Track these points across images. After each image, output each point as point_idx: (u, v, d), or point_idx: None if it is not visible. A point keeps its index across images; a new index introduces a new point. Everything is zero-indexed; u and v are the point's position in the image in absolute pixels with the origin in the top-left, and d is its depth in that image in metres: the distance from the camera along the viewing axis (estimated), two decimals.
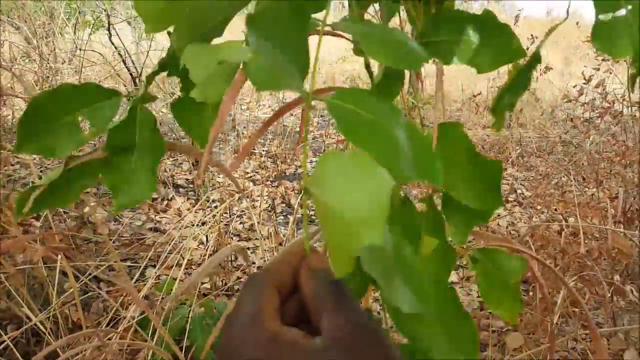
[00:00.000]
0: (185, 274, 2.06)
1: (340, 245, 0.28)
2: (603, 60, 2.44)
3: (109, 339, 1.33)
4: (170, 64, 0.44)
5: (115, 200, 0.45)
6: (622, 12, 0.33)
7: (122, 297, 1.63)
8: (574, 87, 2.62)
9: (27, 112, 0.41)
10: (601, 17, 0.33)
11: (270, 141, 3.81)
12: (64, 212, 2.29)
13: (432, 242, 0.45)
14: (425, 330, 0.39)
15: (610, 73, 2.82)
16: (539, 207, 2.17)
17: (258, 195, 2.74)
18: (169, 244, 1.64)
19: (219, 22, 0.39)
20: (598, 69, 2.51)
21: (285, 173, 3.39)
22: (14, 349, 1.32)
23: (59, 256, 1.44)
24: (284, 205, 2.91)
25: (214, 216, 1.89)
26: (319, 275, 0.33)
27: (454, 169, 0.44)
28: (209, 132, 0.47)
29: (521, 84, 0.40)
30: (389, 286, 0.30)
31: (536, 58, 0.40)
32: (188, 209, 2.43)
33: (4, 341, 1.29)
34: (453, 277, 2.13)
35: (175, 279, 1.73)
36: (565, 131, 2.78)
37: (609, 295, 1.38)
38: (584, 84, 2.41)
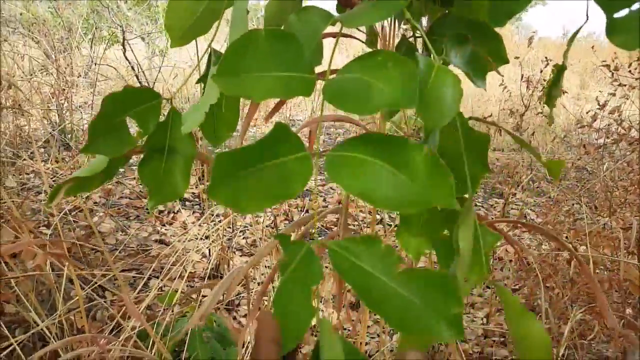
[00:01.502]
0: (187, 286, 2.06)
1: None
2: (620, 85, 2.41)
3: (111, 346, 1.33)
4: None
5: (150, 198, 0.48)
6: (636, 6, 0.34)
7: (124, 308, 1.63)
8: (587, 112, 2.59)
9: (97, 115, 0.44)
10: (616, 15, 0.35)
11: None
12: (74, 221, 2.31)
13: None
14: None
15: (627, 99, 2.79)
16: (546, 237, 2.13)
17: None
18: (173, 256, 1.64)
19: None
20: (614, 94, 2.49)
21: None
22: (20, 353, 1.33)
23: (66, 264, 1.46)
24: (286, 222, 2.91)
25: (217, 230, 1.89)
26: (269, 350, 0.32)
27: (448, 139, 0.47)
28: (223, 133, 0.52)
29: (560, 80, 0.50)
30: None
31: (564, 58, 0.47)
32: (193, 222, 2.43)
33: (12, 344, 1.30)
34: None
35: (177, 291, 1.72)
36: (578, 157, 2.75)
37: (620, 327, 1.34)
38: (598, 109, 2.38)
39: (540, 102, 3.69)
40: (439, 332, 0.30)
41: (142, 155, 0.48)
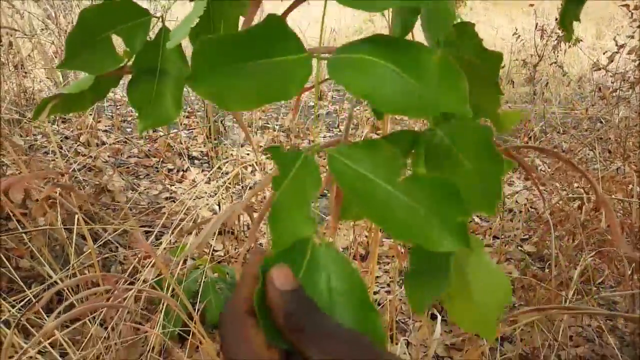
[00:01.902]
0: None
1: None
2: (639, 27, 2.30)
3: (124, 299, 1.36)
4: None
5: (139, 121, 0.47)
6: None
7: (140, 259, 1.65)
8: (604, 53, 2.50)
9: (74, 29, 0.42)
10: None
11: (283, 115, 3.78)
12: (83, 180, 2.33)
13: None
14: None
15: None
16: (559, 185, 2.11)
17: (271, 168, 2.73)
18: (181, 211, 1.65)
19: None
20: (632, 37, 2.38)
21: (298, 148, 3.36)
22: (37, 305, 1.37)
23: (76, 217, 1.47)
24: None
25: (226, 187, 1.90)
26: (290, 296, 0.30)
27: (459, 60, 0.45)
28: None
29: None
30: None
31: None
32: (202, 180, 2.44)
33: (29, 297, 1.34)
34: None
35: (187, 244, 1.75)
36: (593, 103, 2.67)
37: (629, 273, 1.34)
38: (616, 52, 2.29)
39: (554, 52, 3.58)
40: (444, 241, 0.29)
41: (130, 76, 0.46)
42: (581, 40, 3.40)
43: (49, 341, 1.25)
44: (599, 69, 2.34)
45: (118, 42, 0.44)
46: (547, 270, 1.60)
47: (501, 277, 0.42)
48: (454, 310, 0.42)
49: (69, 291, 1.49)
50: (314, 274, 0.30)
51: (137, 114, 0.47)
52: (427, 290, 0.39)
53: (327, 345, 0.28)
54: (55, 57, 3.14)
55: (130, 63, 0.45)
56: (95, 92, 0.46)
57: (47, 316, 1.25)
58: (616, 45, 2.32)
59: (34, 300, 1.35)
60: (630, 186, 1.46)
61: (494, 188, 0.42)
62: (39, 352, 1.30)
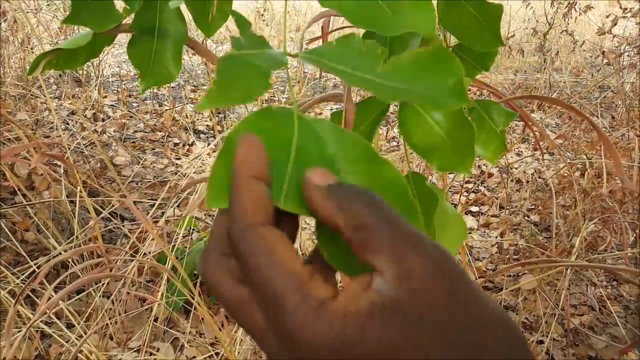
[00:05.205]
0: (205, 215, 2.09)
1: None
2: None
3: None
4: None
5: (141, 81, 0.48)
6: None
7: (142, 233, 1.67)
8: (607, 16, 2.43)
9: None
10: None
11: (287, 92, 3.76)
12: (90, 155, 2.35)
13: None
14: None
15: None
16: (567, 153, 2.08)
17: None
18: (184, 181, 1.66)
19: None
20: None
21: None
22: (44, 279, 1.39)
23: (78, 188, 1.49)
24: None
25: None
26: (353, 196, 0.24)
27: (459, 13, 0.47)
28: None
29: None
30: None
31: None
32: (208, 154, 2.44)
33: (34, 270, 1.36)
34: (472, 223, 2.10)
35: (193, 218, 1.76)
36: (598, 69, 2.60)
37: (632, 239, 1.32)
38: (623, 16, 2.23)
39: (565, 20, 3.48)
40: (442, 102, 0.28)
41: (130, 36, 0.47)
42: (592, 8, 3.30)
43: (53, 310, 1.27)
44: (603, 34, 2.27)
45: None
46: (548, 237, 1.59)
47: (458, 218, 0.45)
48: None
49: (73, 262, 1.52)
50: (309, 137, 0.27)
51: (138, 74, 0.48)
52: None
53: (401, 253, 0.22)
54: (60, 32, 3.13)
55: (129, 23, 0.46)
56: (90, 50, 0.47)
57: (55, 291, 1.27)
58: (620, 8, 2.25)
59: (37, 272, 1.38)
60: (633, 151, 1.43)
61: (466, 150, 0.45)
62: (45, 323, 1.33)
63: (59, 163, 2.23)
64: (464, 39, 0.48)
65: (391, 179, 0.27)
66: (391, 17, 0.31)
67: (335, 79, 4.06)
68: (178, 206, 1.84)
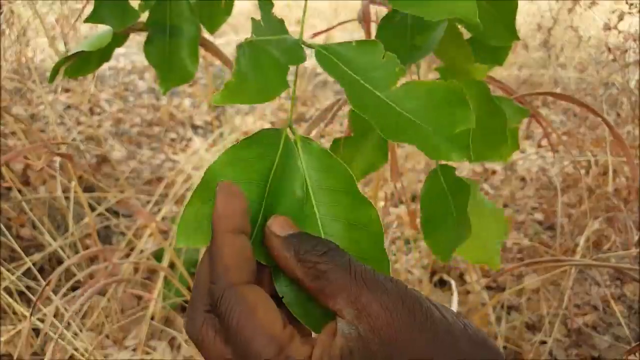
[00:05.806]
0: None
1: None
2: None
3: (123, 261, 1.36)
4: None
5: (161, 83, 0.49)
6: None
7: (138, 228, 1.65)
8: (612, 12, 2.39)
9: None
10: None
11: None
12: (86, 150, 2.32)
13: None
14: None
15: None
16: (572, 151, 2.05)
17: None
18: (180, 177, 1.64)
19: None
20: None
21: (304, 115, 3.31)
22: (38, 274, 1.38)
23: (73, 183, 1.46)
24: None
25: (224, 147, 1.87)
26: (297, 237, 0.24)
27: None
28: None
29: None
30: None
31: None
32: (206, 149, 2.42)
33: (29, 266, 1.34)
34: None
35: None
36: (604, 65, 2.57)
37: (637, 238, 1.30)
38: (629, 12, 2.19)
39: (570, 15, 3.44)
40: (442, 151, 0.26)
41: (146, 34, 0.48)
42: (597, 3, 3.26)
43: (48, 309, 1.25)
44: (609, 29, 2.24)
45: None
46: (552, 235, 1.56)
47: (498, 212, 0.44)
48: (461, 246, 0.44)
49: (68, 258, 1.50)
50: (289, 167, 0.26)
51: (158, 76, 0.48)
52: (449, 240, 0.40)
53: (357, 294, 0.23)
54: (58, 23, 3.09)
55: (143, 21, 0.47)
56: (102, 53, 0.48)
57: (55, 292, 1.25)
58: (626, 3, 2.21)
59: (33, 268, 1.36)
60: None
61: (498, 137, 0.44)
62: (41, 321, 1.30)
63: (54, 158, 2.21)
64: (479, 33, 0.47)
65: (368, 216, 0.26)
66: (437, 2, 0.30)
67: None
68: (175, 203, 1.82)
